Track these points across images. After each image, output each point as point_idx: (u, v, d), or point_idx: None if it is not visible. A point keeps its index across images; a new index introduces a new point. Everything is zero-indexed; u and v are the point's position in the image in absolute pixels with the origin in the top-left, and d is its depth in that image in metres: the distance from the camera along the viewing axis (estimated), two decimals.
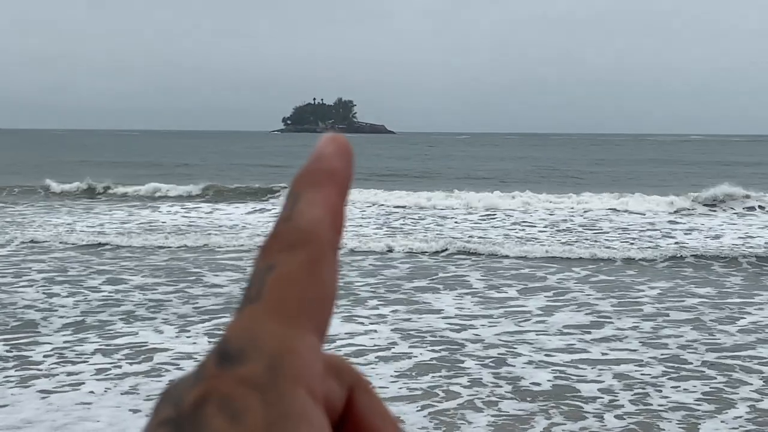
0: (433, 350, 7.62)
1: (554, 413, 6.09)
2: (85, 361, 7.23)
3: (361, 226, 16.72)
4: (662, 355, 7.60)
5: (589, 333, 8.41)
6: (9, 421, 5.76)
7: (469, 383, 6.72)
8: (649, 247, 14.04)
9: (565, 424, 5.90)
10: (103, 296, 10.00)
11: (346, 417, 0.34)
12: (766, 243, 14.82)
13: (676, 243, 14.80)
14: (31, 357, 7.39)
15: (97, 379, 6.73)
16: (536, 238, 15.40)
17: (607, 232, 16.34)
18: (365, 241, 14.19)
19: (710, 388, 6.71)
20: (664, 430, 5.82)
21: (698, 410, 6.20)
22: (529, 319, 8.96)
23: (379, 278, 11.31)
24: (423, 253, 13.43)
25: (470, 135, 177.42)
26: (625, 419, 6.00)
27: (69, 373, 6.89)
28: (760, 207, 19.86)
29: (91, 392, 6.39)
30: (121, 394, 6.37)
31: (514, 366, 7.22)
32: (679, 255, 13.10)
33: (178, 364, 7.13)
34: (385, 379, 6.70)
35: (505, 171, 38.85)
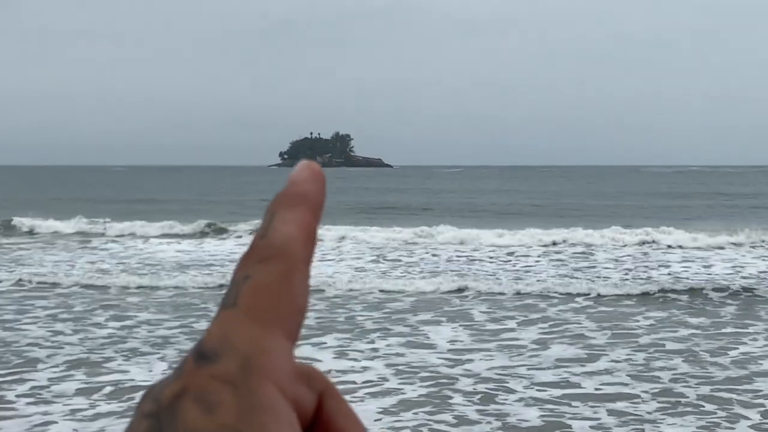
0: (421, 386, 7.46)
1: None
2: (58, 401, 7.03)
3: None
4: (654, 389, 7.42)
5: (584, 366, 8.24)
6: None
7: (455, 420, 6.54)
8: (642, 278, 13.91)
9: None
10: (109, 333, 9.83)
11: (316, 420, 0.37)
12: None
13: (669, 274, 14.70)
14: (6, 396, 7.19)
15: (69, 420, 6.53)
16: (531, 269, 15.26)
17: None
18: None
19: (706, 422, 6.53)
20: None
21: None
22: (523, 353, 8.79)
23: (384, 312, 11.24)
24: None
25: (465, 168, 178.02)
26: None
27: (43, 413, 6.70)
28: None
29: None
30: None
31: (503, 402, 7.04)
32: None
33: None
34: (369, 416, 6.52)
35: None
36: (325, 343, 9.22)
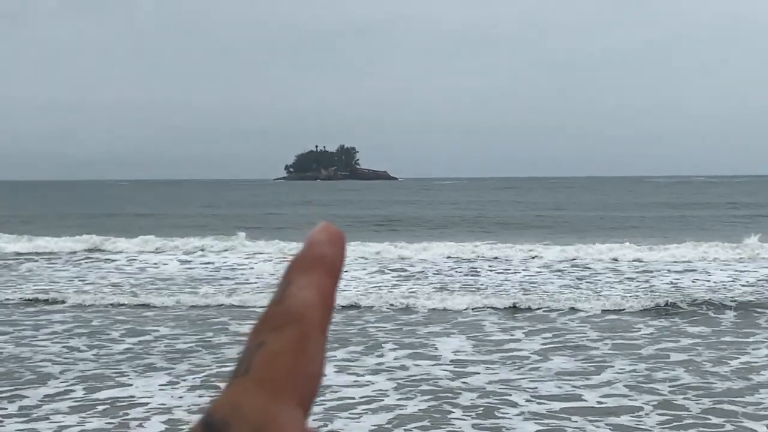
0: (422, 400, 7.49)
1: None
2: (47, 419, 7.05)
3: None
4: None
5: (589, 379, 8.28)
6: None
7: None
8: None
9: None
10: (125, 348, 9.91)
11: None
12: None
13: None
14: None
15: None
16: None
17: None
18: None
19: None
20: None
21: None
22: (525, 366, 8.84)
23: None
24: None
25: (471, 179, 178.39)
26: None
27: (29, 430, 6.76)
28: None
29: None
30: None
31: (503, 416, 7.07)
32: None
33: (149, 419, 6.98)
34: None
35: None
36: (335, 356, 9.21)
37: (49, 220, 35.60)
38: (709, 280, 15.35)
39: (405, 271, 17.30)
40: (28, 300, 13.67)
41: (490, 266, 17.85)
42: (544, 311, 12.24)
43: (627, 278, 15.72)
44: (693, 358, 9.09)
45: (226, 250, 21.59)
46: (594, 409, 7.26)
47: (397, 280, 15.94)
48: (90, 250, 22.23)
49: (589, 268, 17.32)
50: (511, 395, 7.65)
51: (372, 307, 12.67)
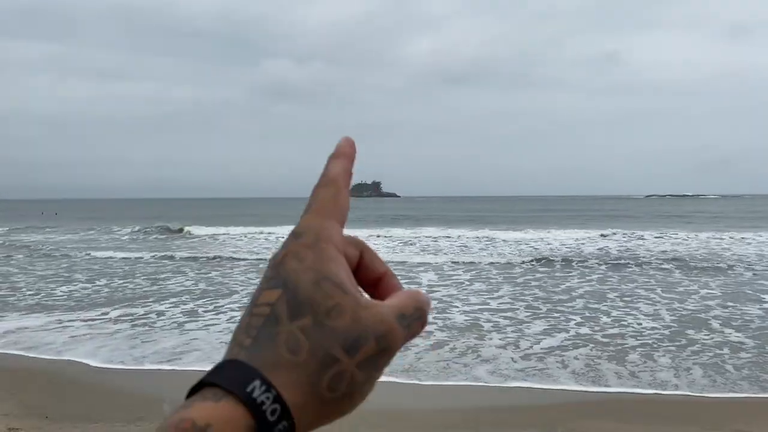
0: None
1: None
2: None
3: None
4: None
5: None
6: None
7: None
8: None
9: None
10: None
11: (359, 267, 0.64)
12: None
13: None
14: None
15: None
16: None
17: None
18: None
19: None
20: None
21: None
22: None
23: None
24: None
25: (467, 197, 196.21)
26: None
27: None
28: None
29: None
30: None
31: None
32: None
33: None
34: None
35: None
36: None
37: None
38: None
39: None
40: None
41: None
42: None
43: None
44: (542, 284, 17.95)
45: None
46: (496, 310, 15.47)
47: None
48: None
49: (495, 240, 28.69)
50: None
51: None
